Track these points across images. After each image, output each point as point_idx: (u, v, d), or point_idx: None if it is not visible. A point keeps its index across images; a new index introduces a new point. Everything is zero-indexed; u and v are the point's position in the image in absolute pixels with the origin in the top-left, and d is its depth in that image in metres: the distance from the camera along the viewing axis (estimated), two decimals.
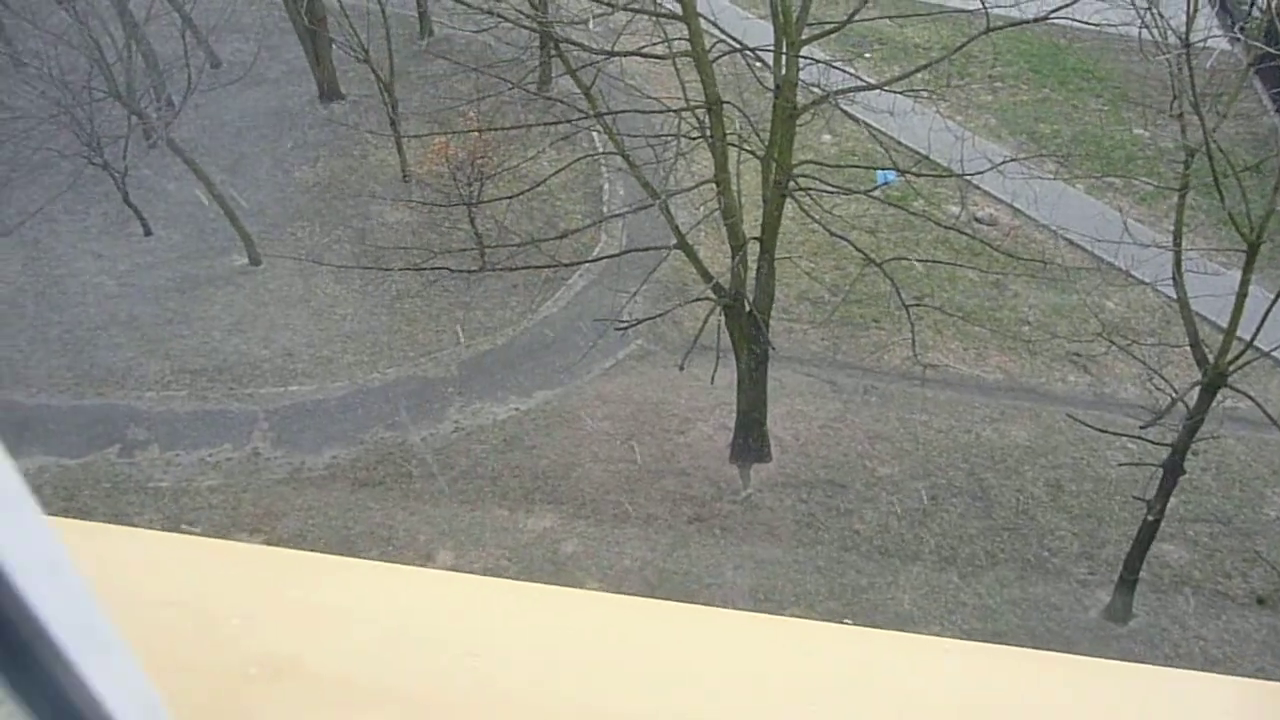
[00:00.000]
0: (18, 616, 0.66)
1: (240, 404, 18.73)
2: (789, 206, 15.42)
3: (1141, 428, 13.31)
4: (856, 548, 16.25)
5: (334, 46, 26.79)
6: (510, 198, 17.68)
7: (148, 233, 22.29)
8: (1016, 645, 12.98)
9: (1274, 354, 12.88)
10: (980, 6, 13.59)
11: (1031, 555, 16.07)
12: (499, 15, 14.71)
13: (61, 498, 16.36)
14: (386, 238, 23.12)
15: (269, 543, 15.68)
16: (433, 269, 17.69)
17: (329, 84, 27.29)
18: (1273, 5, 13.56)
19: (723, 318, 16.23)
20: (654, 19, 13.90)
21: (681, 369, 16.55)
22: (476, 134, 19.44)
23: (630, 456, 18.00)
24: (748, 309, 16.06)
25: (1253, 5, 20.49)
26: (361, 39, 22.31)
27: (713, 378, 16.77)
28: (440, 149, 21.47)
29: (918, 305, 16.97)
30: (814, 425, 18.80)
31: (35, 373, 19.03)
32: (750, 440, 17.81)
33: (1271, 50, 12.32)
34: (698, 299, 16.57)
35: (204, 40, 25.73)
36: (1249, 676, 12.27)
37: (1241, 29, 16.17)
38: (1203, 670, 14.58)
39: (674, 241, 15.53)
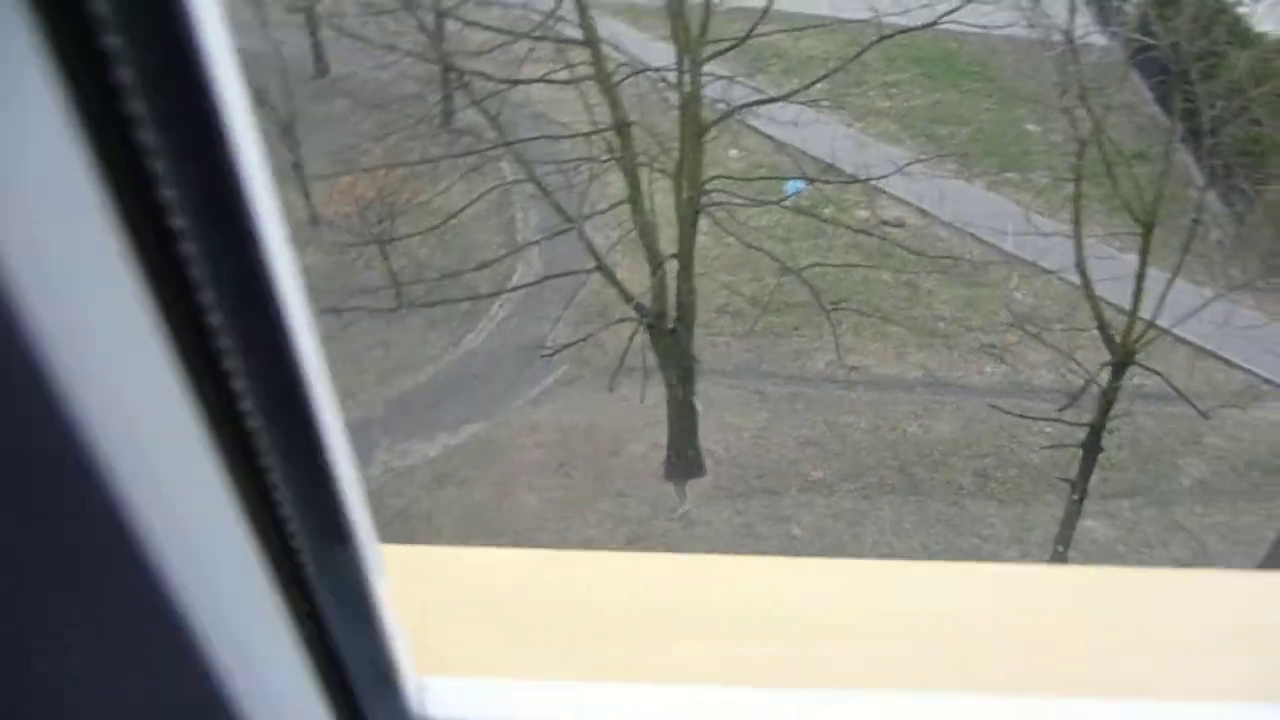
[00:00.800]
0: None
1: None
2: (703, 222, 15.60)
3: (1059, 411, 13.76)
4: (796, 553, 16.38)
5: None
6: (423, 233, 17.51)
7: None
8: None
9: (1174, 331, 13.45)
10: (872, 15, 14.00)
11: (965, 544, 16.43)
12: (399, 50, 14.61)
13: None
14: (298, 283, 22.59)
15: None
16: (349, 310, 17.39)
17: None
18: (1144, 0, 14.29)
19: (647, 337, 16.31)
20: (556, 45, 13.96)
21: (611, 390, 16.54)
22: (383, 171, 19.23)
23: (565, 482, 17.90)
24: (671, 326, 16.17)
25: (1124, 1, 21.53)
26: (255, 81, 21.91)
27: (642, 397, 16.82)
28: (347, 189, 21.17)
29: (836, 309, 17.32)
30: (745, 436, 18.95)
31: None
32: (683, 456, 17.88)
33: (1148, 42, 12.94)
34: (620, 320, 16.61)
35: None
36: None
37: (1119, 24, 16.96)
38: None
39: (592, 265, 15.57)
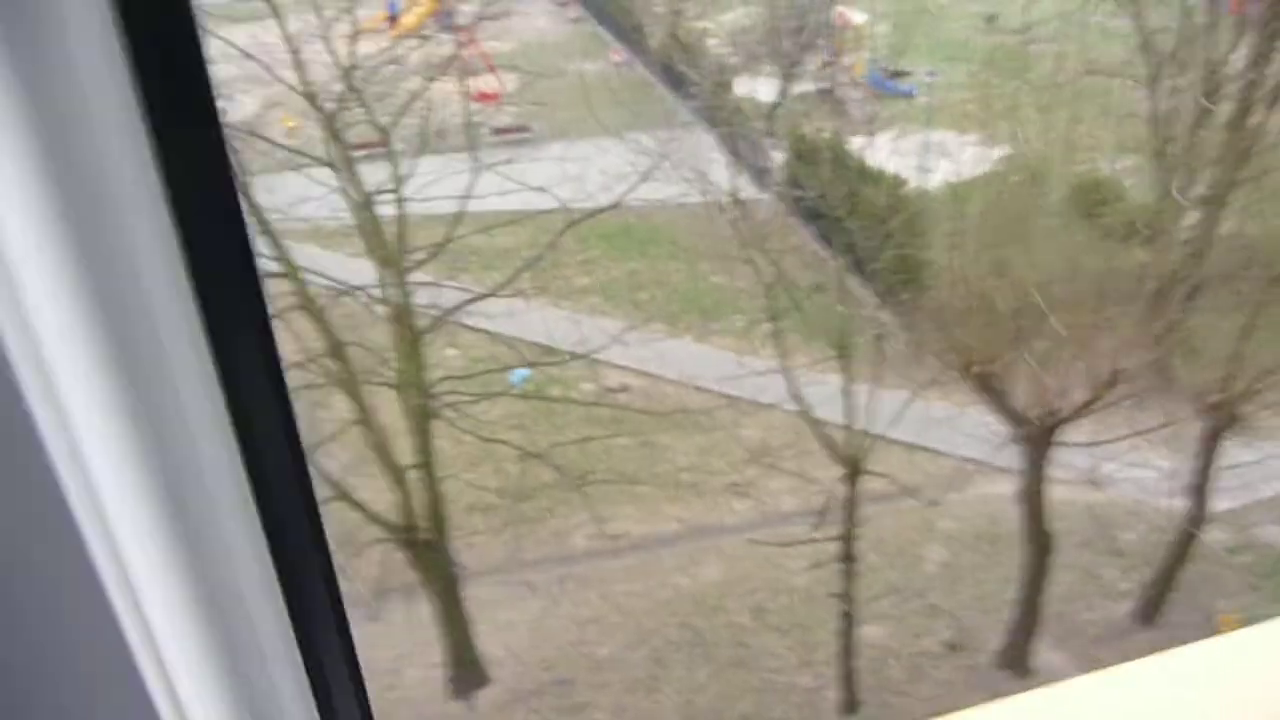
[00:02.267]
0: None
1: None
2: (437, 425, 15.46)
3: (814, 529, 14.54)
4: None
5: None
6: None
7: None
8: None
9: (887, 434, 14.78)
10: (558, 205, 14.93)
11: (758, 680, 16.63)
12: None
13: None
14: None
15: None
16: None
17: None
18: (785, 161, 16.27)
19: (402, 554, 15.63)
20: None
21: (374, 620, 15.55)
22: None
23: None
24: (424, 537, 15.62)
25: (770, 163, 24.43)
26: None
27: (408, 618, 15.95)
28: None
29: (585, 483, 17.53)
30: (522, 630, 18.38)
31: None
32: (465, 669, 17.00)
33: (798, 193, 14.68)
34: (370, 543, 15.84)
35: None
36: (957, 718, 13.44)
37: (772, 182, 19.15)
38: None
39: (330, 494, 14.87)
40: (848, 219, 15.12)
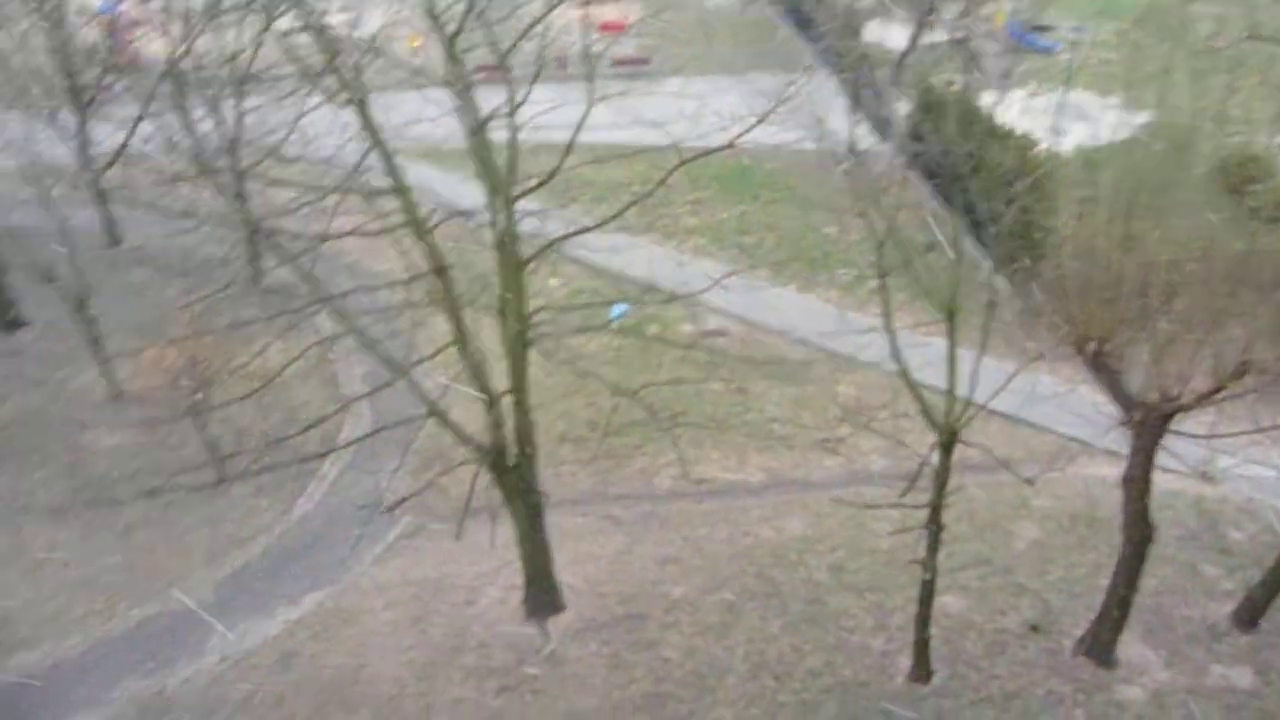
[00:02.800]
0: None
1: None
2: (533, 354, 15.56)
3: (900, 495, 14.20)
4: (669, 676, 16.03)
5: (7, 270, 24.70)
6: (241, 399, 16.64)
7: None
8: None
9: (989, 405, 14.23)
10: (671, 142, 14.68)
11: (832, 639, 16.51)
12: (198, 216, 14.13)
13: None
14: (104, 466, 21.02)
15: None
16: (167, 491, 16.21)
17: (7, 312, 25.05)
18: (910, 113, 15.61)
19: (490, 476, 15.91)
20: (365, 196, 13.85)
21: (458, 539, 15.94)
22: (193, 339, 18.34)
23: (422, 641, 16.98)
24: (513, 462, 15.85)
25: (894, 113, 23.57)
26: (42, 257, 20.69)
27: (491, 540, 16.28)
28: (154, 361, 20.03)
29: (675, 425, 17.48)
30: (601, 563, 18.63)
31: None
32: (541, 594, 17.35)
33: (921, 148, 14.08)
34: (460, 464, 16.17)
35: None
36: (1039, 700, 12.91)
37: (894, 134, 18.45)
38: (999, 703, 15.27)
39: (425, 410, 15.17)
40: (970, 178, 14.42)
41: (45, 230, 22.23)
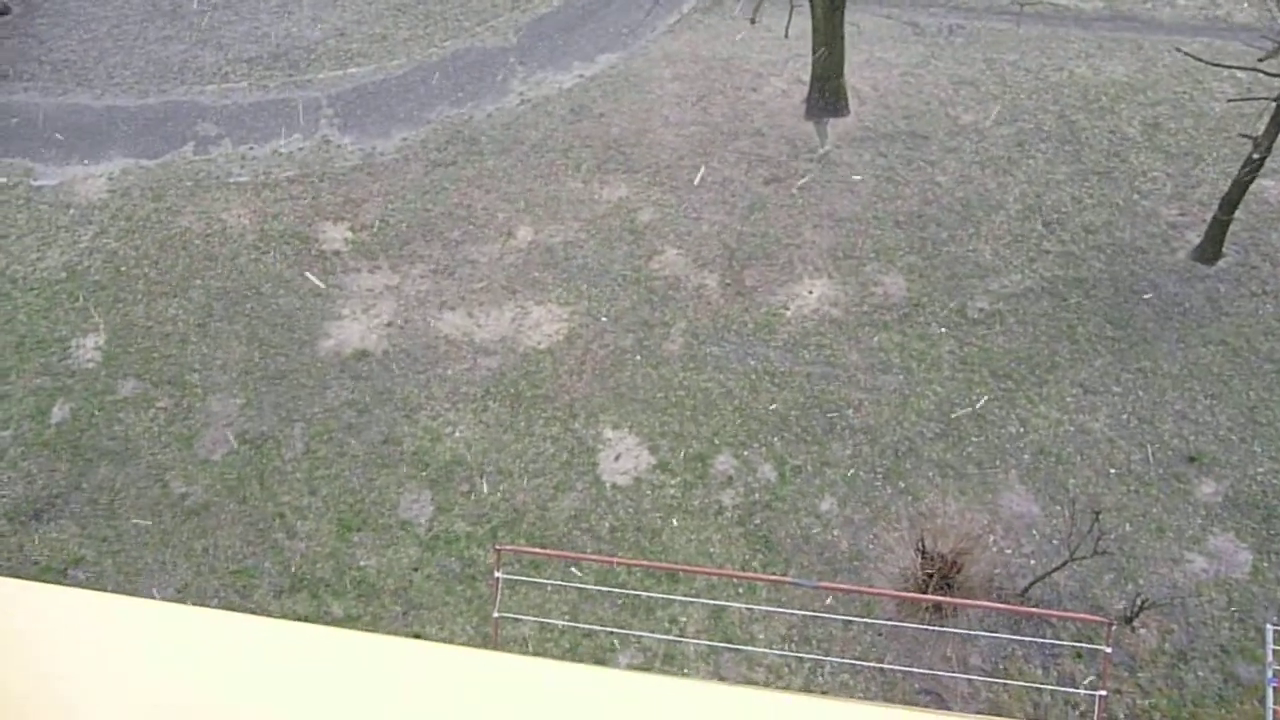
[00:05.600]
0: None
1: (301, 91, 18.37)
2: None
3: (1260, 60, 12.29)
4: (937, 200, 15.95)
5: None
6: None
7: None
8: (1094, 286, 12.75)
9: None
10: None
11: (1121, 199, 15.63)
12: None
13: (150, 198, 16.75)
14: None
15: (352, 229, 16.07)
16: None
17: None
18: None
19: None
20: None
21: (753, 22, 15.51)
22: None
23: (703, 118, 17.46)
24: None
25: None
26: None
27: (786, 29, 15.75)
28: None
29: None
30: (894, 73, 17.81)
31: (94, 73, 18.76)
32: (826, 94, 17.04)
33: None
34: None
35: None
36: None
37: None
38: None
39: None
40: None
41: None
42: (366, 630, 12.05)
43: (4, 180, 17.16)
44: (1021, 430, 13.32)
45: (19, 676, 1.84)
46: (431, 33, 19.22)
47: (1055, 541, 12.27)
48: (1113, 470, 12.89)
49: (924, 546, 11.63)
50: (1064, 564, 11.48)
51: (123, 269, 15.81)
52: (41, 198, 16.88)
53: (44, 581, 12.62)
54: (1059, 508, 12.55)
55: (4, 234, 16.40)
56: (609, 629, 11.69)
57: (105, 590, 12.52)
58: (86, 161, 17.37)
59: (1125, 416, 13.38)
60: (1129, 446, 13.09)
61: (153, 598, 12.41)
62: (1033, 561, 12.16)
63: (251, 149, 17.49)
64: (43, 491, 13.41)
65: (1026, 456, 13.07)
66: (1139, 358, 13.91)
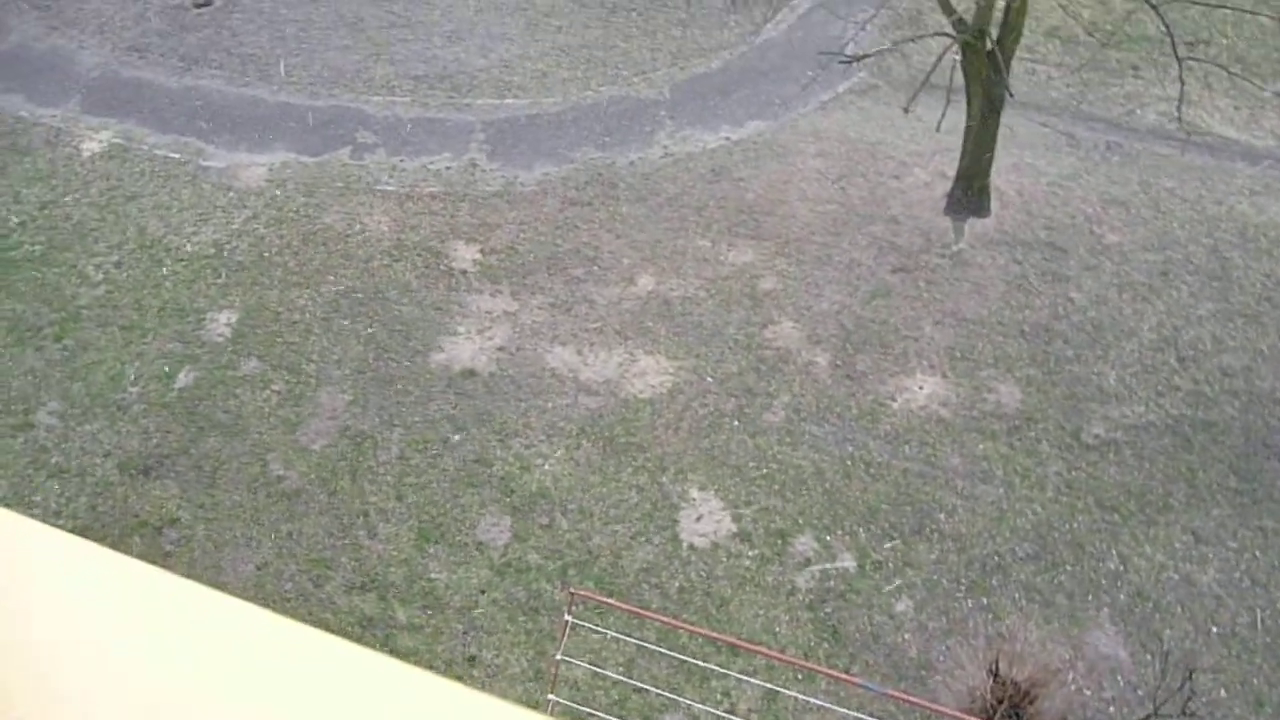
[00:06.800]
0: None
1: (459, 113, 19.14)
2: None
3: None
4: (1068, 317, 15.52)
5: None
6: None
7: None
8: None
9: None
10: None
11: (1266, 346, 14.91)
12: None
13: (302, 193, 17.65)
14: None
15: (482, 251, 16.56)
16: None
17: None
18: None
19: (959, 56, 14.88)
20: None
21: (906, 110, 15.50)
22: None
23: (840, 198, 17.46)
24: (989, 47, 14.62)
25: None
26: None
27: (940, 123, 15.66)
28: None
29: (1191, 55, 14.94)
30: (1042, 181, 17.49)
31: (275, 70, 19.96)
32: (970, 192, 16.84)
33: None
34: (934, 34, 15.19)
35: None
36: None
37: None
38: None
39: None
40: None
41: None
42: (427, 642, 12.21)
43: (178, 156, 18.34)
44: (1121, 568, 12.71)
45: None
46: (589, 76, 19.81)
47: (1140, 692, 11.60)
48: (1215, 629, 12.15)
49: (998, 669, 11.16)
50: (1146, 718, 10.85)
51: (265, 255, 16.64)
52: (207, 177, 17.96)
53: (140, 536, 13.25)
54: (1150, 657, 11.88)
55: (169, 205, 17.49)
56: (660, 690, 11.56)
57: (194, 551, 13.07)
58: (252, 150, 18.42)
59: (1238, 575, 12.63)
60: (1237, 607, 12.33)
61: (235, 570, 12.87)
62: (1112, 708, 11.52)
63: (403, 160, 18.27)
64: (155, 450, 14.10)
65: (1122, 597, 12.44)
66: (1261, 515, 13.15)
